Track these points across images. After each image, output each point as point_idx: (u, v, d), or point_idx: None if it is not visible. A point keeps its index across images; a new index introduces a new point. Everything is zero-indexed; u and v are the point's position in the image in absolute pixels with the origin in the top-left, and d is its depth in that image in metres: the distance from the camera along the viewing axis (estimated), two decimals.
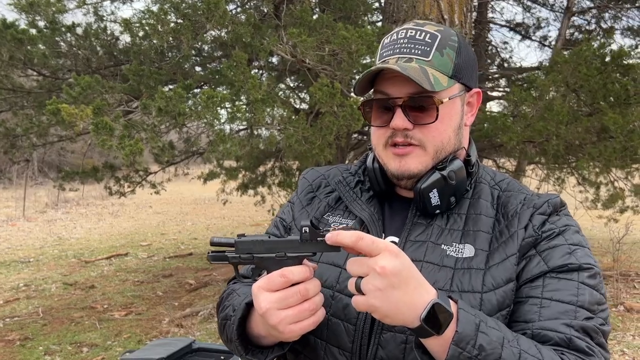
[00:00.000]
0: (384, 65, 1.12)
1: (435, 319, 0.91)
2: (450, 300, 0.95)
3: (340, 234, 0.92)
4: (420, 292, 0.92)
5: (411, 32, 1.17)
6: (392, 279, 0.89)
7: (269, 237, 1.00)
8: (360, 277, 0.91)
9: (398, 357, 1.08)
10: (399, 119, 1.13)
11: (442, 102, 1.14)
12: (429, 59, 1.14)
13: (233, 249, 1.01)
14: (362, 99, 1.31)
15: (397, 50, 1.16)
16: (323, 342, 1.16)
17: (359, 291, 0.91)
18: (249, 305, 1.10)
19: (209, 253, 1.01)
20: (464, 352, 0.91)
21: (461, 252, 1.13)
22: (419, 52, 1.14)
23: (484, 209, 1.19)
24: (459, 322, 0.92)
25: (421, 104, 1.13)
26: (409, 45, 1.15)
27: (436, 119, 1.14)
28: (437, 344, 0.93)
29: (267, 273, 0.99)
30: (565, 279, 1.07)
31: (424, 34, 1.16)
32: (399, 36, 1.18)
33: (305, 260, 1.01)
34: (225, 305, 1.23)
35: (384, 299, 0.89)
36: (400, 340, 1.08)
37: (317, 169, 1.44)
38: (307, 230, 0.96)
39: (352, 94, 4.77)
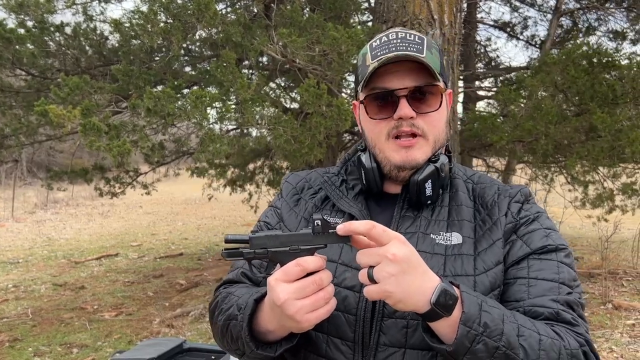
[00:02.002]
0: (402, 52, 1.19)
1: (443, 302, 0.98)
2: (452, 285, 1.02)
3: (353, 224, 0.98)
4: (427, 278, 1.00)
5: (401, 34, 1.25)
6: (404, 265, 0.95)
7: (282, 232, 1.04)
8: (371, 267, 0.97)
9: (400, 342, 1.14)
10: (406, 108, 1.20)
11: (445, 90, 1.24)
12: (423, 55, 1.21)
13: (247, 245, 1.05)
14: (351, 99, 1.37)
15: (393, 49, 1.22)
16: (325, 335, 1.20)
17: (371, 280, 0.97)
18: (257, 302, 1.15)
19: (223, 250, 1.05)
20: (471, 330, 0.98)
21: (449, 240, 1.21)
22: (414, 49, 1.21)
23: (464, 200, 1.28)
24: (464, 304, 1.00)
25: (426, 93, 1.22)
26: (404, 44, 1.22)
27: (440, 106, 1.23)
28: (445, 325, 1.01)
29: (281, 266, 1.03)
30: (547, 259, 1.19)
31: (413, 35, 1.25)
32: (390, 37, 1.25)
33: (316, 253, 1.05)
34: (223, 308, 1.25)
35: (397, 285, 0.96)
36: (401, 325, 1.14)
37: (298, 173, 1.50)
38: (319, 223, 1.01)
39: (341, 94, 4.78)
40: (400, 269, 0.95)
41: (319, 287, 1.01)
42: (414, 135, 1.22)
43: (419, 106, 1.21)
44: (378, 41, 1.26)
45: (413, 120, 1.21)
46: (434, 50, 1.24)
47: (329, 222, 1.03)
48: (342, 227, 0.99)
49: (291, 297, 1.00)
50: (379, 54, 1.22)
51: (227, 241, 1.05)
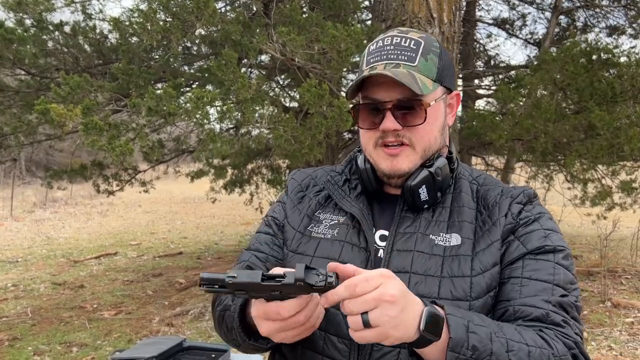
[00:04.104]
0: (375, 71, 1.18)
1: (432, 326, 0.95)
2: (436, 307, 0.99)
3: (335, 294, 0.92)
4: (414, 306, 0.96)
5: (396, 40, 1.23)
6: (402, 304, 0.92)
7: (262, 276, 0.93)
8: (365, 313, 0.90)
9: None
10: (390, 121, 1.19)
11: (429, 105, 1.21)
12: (415, 64, 1.20)
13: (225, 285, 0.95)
14: (352, 102, 1.37)
15: (385, 57, 1.22)
16: (322, 332, 1.19)
17: (366, 326, 0.91)
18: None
19: (201, 285, 0.96)
20: (460, 355, 0.95)
21: (448, 241, 1.20)
22: (406, 58, 1.21)
23: (466, 202, 1.27)
24: (450, 328, 0.96)
25: (410, 107, 1.20)
26: (396, 52, 1.21)
27: (424, 120, 1.20)
28: (433, 351, 0.98)
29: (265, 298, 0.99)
30: (543, 260, 1.17)
31: (408, 40, 1.23)
32: (385, 43, 1.24)
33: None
34: (222, 299, 1.26)
35: (397, 326, 0.92)
36: None
37: (304, 170, 1.49)
38: (302, 284, 0.91)
39: (342, 94, 4.77)
40: (400, 308, 0.91)
41: (302, 325, 1.00)
42: (401, 144, 1.22)
43: (406, 118, 1.20)
44: (374, 45, 1.26)
45: (398, 131, 1.21)
46: (430, 55, 1.23)
47: (311, 282, 0.92)
48: (325, 302, 0.93)
49: (274, 332, 1.01)
50: (372, 60, 1.23)
51: (202, 280, 0.94)
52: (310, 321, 1.02)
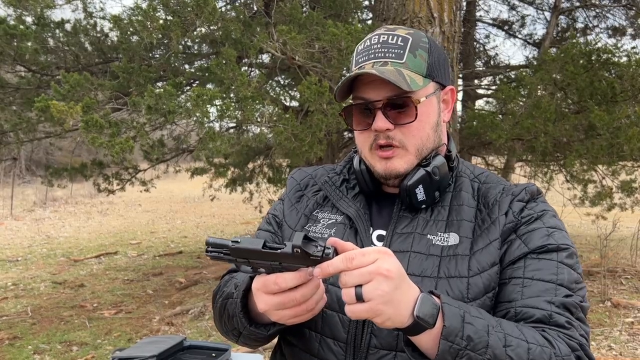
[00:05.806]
0: (361, 70, 1.16)
1: (426, 313, 0.94)
2: (433, 296, 0.98)
3: (330, 266, 0.91)
4: (410, 290, 0.95)
5: (383, 37, 1.22)
6: (397, 280, 0.91)
7: (264, 244, 0.95)
8: (359, 286, 0.90)
9: (391, 345, 1.12)
10: (380, 121, 1.17)
11: (419, 102, 1.18)
12: (403, 61, 1.18)
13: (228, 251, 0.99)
14: (344, 104, 1.36)
15: (372, 56, 1.20)
16: (318, 334, 1.18)
17: (359, 300, 0.91)
18: (253, 280, 1.12)
19: (207, 250, 1.00)
20: (453, 344, 0.93)
21: (446, 240, 1.17)
22: (393, 55, 1.19)
23: (466, 200, 1.24)
24: (445, 317, 0.95)
25: (400, 105, 1.18)
26: (383, 50, 1.20)
27: (415, 118, 1.18)
28: (427, 339, 0.96)
29: (265, 271, 1.01)
30: (545, 259, 1.13)
31: (395, 37, 1.21)
32: (372, 42, 1.22)
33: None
34: (224, 290, 1.26)
35: (389, 302, 0.91)
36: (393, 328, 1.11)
37: (304, 169, 1.48)
38: (299, 251, 0.93)
39: None
40: (394, 284, 0.90)
41: (299, 303, 0.99)
42: (392, 145, 1.20)
43: (397, 117, 1.18)
44: (362, 45, 1.24)
45: (390, 132, 1.18)
46: (419, 51, 1.20)
47: (314, 240, 0.95)
48: (320, 273, 0.92)
49: (272, 308, 1.00)
50: (360, 60, 1.22)
51: (208, 244, 0.98)
52: (308, 303, 1.00)
